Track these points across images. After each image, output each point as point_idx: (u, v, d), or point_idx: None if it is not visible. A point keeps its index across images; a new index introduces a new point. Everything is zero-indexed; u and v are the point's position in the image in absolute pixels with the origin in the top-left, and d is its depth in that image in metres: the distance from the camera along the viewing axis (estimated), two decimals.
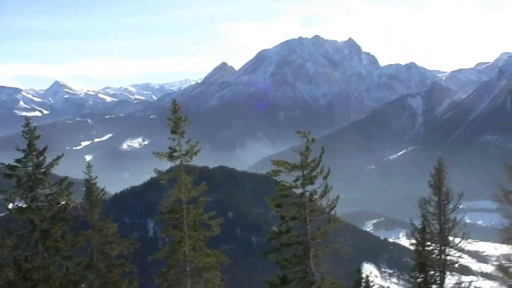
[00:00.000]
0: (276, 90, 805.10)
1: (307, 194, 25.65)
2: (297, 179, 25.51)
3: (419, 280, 36.59)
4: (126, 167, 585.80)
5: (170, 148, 28.02)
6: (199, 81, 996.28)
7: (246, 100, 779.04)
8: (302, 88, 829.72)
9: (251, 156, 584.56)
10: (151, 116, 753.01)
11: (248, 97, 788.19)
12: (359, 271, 31.39)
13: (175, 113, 27.73)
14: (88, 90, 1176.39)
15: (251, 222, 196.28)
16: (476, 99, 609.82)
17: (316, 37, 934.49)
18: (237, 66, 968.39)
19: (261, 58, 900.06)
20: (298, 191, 25.91)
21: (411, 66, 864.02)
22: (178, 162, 28.15)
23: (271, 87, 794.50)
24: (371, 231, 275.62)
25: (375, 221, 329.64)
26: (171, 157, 28.07)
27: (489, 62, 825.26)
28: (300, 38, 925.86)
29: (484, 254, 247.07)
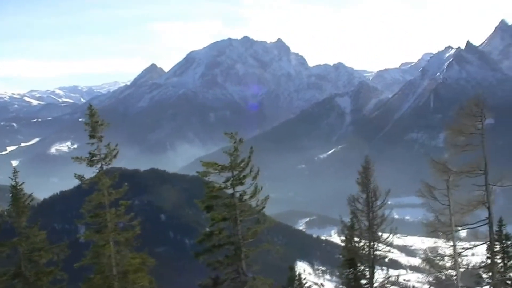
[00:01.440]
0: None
1: (237, 194, 25.68)
2: (227, 180, 25.51)
3: (349, 275, 37.26)
4: (55, 172, 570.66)
5: (89, 153, 27.71)
6: (128, 83, 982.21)
7: (176, 101, 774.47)
8: (232, 88, 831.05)
9: (182, 158, 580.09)
10: (80, 119, 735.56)
11: (178, 99, 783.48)
12: (291, 269, 31.70)
13: (91, 118, 27.50)
14: (13, 93, 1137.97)
15: (184, 224, 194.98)
16: (401, 98, 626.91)
17: (245, 38, 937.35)
18: (167, 68, 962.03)
19: (190, 59, 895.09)
20: (229, 191, 25.92)
21: (339, 66, 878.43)
22: (98, 166, 27.85)
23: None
24: (304, 230, 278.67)
25: (307, 219, 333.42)
26: (91, 161, 27.75)
27: (412, 62, 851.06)
28: (229, 39, 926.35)
29: (412, 248, 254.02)
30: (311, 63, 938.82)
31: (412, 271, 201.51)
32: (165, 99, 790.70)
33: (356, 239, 37.32)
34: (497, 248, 35.40)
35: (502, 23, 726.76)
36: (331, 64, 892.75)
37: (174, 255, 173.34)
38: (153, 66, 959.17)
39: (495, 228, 34.04)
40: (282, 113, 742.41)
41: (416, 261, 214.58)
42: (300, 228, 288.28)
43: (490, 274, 33.68)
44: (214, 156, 30.85)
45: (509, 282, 34.73)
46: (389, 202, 39.16)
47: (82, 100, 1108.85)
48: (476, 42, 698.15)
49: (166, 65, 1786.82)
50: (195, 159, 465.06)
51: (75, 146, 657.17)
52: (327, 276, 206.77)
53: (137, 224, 28.45)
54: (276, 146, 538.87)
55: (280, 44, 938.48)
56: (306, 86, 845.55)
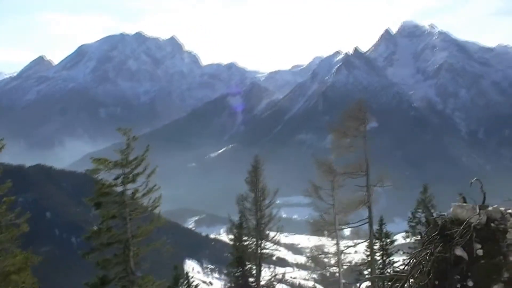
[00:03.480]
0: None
1: (129, 192, 25.47)
2: (117, 178, 25.23)
3: (237, 273, 37.81)
4: None
5: None
6: (14, 75, 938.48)
7: (65, 96, 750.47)
8: (124, 84, 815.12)
9: (71, 154, 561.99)
10: None
11: (67, 93, 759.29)
12: (176, 268, 31.70)
13: None
14: None
15: (70, 222, 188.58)
16: (292, 100, 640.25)
17: (139, 33, 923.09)
18: (56, 60, 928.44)
19: (81, 52, 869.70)
20: (120, 189, 25.63)
21: (231, 66, 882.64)
22: None
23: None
24: (193, 228, 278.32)
25: (197, 218, 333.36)
26: None
27: (303, 65, 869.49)
28: (122, 34, 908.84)
29: (299, 246, 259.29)
30: (204, 62, 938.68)
31: (298, 269, 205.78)
32: (53, 93, 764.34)
33: (244, 237, 37.95)
34: (377, 246, 37.16)
35: (387, 32, 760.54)
36: (224, 64, 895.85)
37: (60, 255, 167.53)
38: (41, 58, 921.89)
39: (375, 227, 35.69)
40: (174, 111, 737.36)
41: (302, 259, 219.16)
42: (190, 226, 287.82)
43: (369, 270, 35.17)
44: (104, 153, 30.29)
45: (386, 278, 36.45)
46: (277, 201, 40.14)
47: None
48: (364, 48, 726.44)
49: (56, 58, 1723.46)
50: (84, 155, 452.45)
51: None
52: (216, 275, 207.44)
53: (24, 222, 27.48)
54: (167, 144, 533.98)
55: (173, 42, 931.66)
56: (199, 85, 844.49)
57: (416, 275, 7.96)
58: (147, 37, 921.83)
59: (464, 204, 8.45)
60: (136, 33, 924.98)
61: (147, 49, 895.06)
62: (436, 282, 7.78)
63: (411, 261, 8.35)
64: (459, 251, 7.76)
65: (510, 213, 8.42)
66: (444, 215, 8.54)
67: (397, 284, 8.18)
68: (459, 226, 7.94)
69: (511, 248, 7.80)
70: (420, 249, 8.23)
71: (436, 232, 8.03)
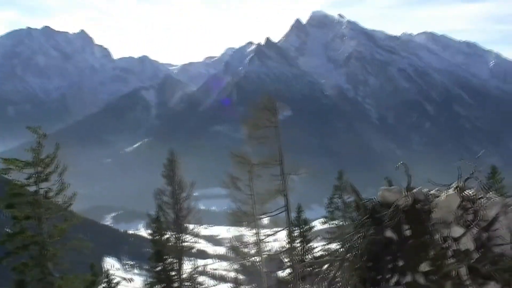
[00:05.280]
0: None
1: (42, 192, 24.65)
2: (29, 177, 24.37)
3: (158, 268, 37.43)
4: None
5: None
6: None
7: None
8: (33, 81, 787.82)
9: None
10: None
11: None
12: (92, 267, 30.91)
13: None
14: None
15: None
16: (206, 91, 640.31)
17: (46, 28, 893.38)
18: None
19: None
20: (33, 189, 24.78)
21: (144, 59, 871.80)
22: None
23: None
24: (111, 225, 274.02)
25: (114, 214, 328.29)
26: None
27: (216, 56, 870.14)
28: (29, 28, 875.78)
29: (219, 237, 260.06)
30: (115, 55, 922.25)
31: (219, 260, 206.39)
32: None
33: (163, 231, 37.62)
34: (296, 233, 37.68)
35: (298, 22, 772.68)
36: (136, 57, 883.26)
37: None
38: None
39: (293, 214, 36.17)
40: (86, 106, 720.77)
41: (222, 250, 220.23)
42: (108, 223, 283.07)
43: (289, 257, 35.65)
44: (14, 153, 29.18)
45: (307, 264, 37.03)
46: (195, 194, 39.97)
47: None
48: (275, 38, 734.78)
49: None
50: None
51: None
52: (136, 271, 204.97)
53: None
54: (80, 140, 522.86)
55: (83, 36, 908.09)
56: (111, 79, 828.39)
57: (351, 258, 8.10)
58: (56, 32, 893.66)
59: (391, 187, 8.65)
60: (44, 27, 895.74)
61: (56, 43, 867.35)
62: (369, 264, 7.96)
63: (344, 245, 8.47)
64: (389, 233, 7.95)
65: (433, 194, 8.70)
66: (373, 198, 8.70)
67: (331, 268, 8.28)
68: (388, 208, 8.13)
69: (436, 227, 8.08)
70: (352, 232, 8.35)
71: (367, 216, 8.18)
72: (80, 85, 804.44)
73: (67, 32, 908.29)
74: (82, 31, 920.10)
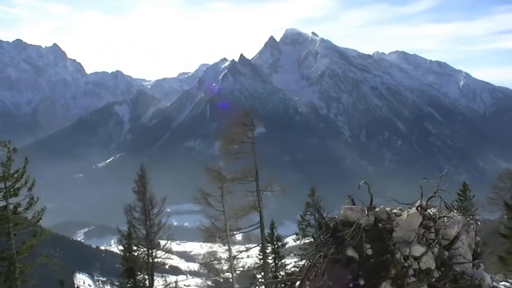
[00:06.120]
0: None
1: (11, 207, 24.42)
2: None
3: (129, 285, 37.16)
4: None
5: None
6: None
7: None
8: (3, 94, 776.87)
9: None
10: None
11: None
12: (62, 283, 30.56)
13: None
14: None
15: None
16: (179, 107, 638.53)
17: (18, 41, 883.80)
18: None
19: None
20: (1, 204, 24.55)
21: (117, 74, 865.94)
22: None
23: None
24: (82, 240, 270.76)
25: (86, 229, 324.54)
26: None
27: (190, 72, 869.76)
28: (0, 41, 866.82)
29: (192, 253, 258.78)
30: (88, 70, 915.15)
31: (192, 276, 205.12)
32: None
33: (134, 247, 37.40)
34: (269, 249, 37.77)
35: (271, 39, 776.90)
36: (109, 72, 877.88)
37: None
38: None
39: (267, 230, 36.28)
40: (58, 120, 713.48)
41: (195, 266, 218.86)
42: (79, 239, 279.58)
43: (262, 274, 35.67)
44: None
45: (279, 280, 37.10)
46: (168, 210, 39.84)
47: None
48: (249, 55, 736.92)
49: None
50: None
51: None
52: (108, 287, 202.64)
53: None
54: (52, 154, 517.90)
55: (55, 49, 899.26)
56: (84, 94, 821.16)
57: (311, 277, 8.17)
58: (28, 45, 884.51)
59: (353, 206, 8.79)
60: (15, 40, 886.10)
61: (27, 57, 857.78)
62: (330, 283, 8.04)
63: (306, 263, 8.57)
64: (350, 252, 8.07)
65: (395, 213, 8.87)
66: (335, 217, 8.83)
67: (294, 287, 8.37)
68: (350, 227, 8.26)
69: (397, 246, 8.22)
70: (314, 251, 8.45)
71: (328, 235, 8.29)
72: (52, 99, 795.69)
73: (39, 46, 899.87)
74: (55, 45, 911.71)
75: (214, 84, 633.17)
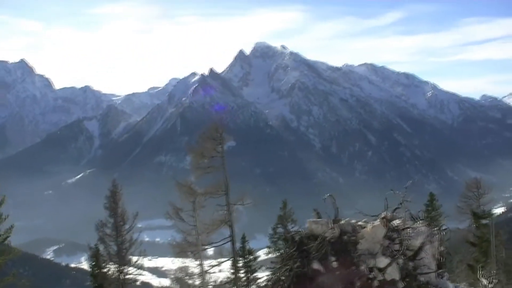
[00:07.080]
0: None
1: None
2: None
3: None
4: None
5: None
6: None
7: None
8: None
9: None
10: None
11: None
12: None
13: None
14: None
15: None
16: (150, 122, 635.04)
17: None
18: None
19: None
20: None
21: (86, 90, 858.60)
22: None
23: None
24: (52, 258, 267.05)
25: (56, 247, 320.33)
26: None
27: (160, 87, 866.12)
28: None
29: (163, 269, 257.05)
30: (57, 85, 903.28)
31: None
32: None
33: (104, 264, 37.13)
34: (241, 263, 37.80)
35: (241, 52, 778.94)
36: (79, 87, 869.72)
37: None
38: None
39: (238, 244, 36.30)
40: (27, 137, 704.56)
41: (167, 282, 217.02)
42: (49, 256, 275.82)
43: None
44: None
45: None
46: (139, 225, 39.66)
47: None
48: (219, 69, 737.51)
49: None
50: None
51: None
52: None
53: None
54: (21, 171, 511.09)
55: (23, 65, 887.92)
56: (53, 109, 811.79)
57: None
58: None
59: (319, 219, 8.92)
60: None
61: None
62: None
63: (271, 277, 8.66)
64: (316, 265, 8.18)
65: (360, 225, 9.03)
66: (301, 231, 8.95)
67: None
68: (315, 241, 8.38)
69: (362, 258, 8.36)
70: (280, 265, 8.55)
71: (294, 248, 8.40)
72: (20, 115, 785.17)
73: (6, 61, 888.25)
74: (22, 60, 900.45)
75: (185, 98, 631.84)
